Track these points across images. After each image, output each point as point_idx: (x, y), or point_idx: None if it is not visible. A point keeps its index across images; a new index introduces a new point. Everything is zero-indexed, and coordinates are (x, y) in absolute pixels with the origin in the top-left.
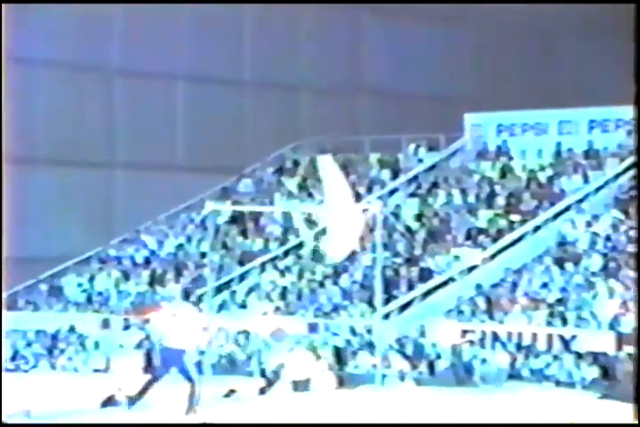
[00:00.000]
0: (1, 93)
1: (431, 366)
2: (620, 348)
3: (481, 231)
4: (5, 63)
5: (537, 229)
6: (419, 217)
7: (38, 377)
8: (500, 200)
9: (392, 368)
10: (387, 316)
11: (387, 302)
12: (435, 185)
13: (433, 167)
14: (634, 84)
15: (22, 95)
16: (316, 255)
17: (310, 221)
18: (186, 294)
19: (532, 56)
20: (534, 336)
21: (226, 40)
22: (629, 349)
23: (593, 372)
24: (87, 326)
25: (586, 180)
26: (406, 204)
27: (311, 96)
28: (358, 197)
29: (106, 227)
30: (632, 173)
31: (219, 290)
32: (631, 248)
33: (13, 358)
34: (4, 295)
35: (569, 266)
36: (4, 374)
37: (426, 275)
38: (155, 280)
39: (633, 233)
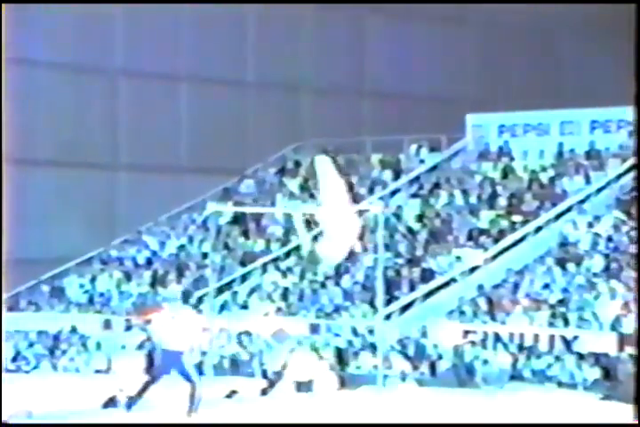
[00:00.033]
0: (2, 94)
1: (433, 367)
2: (621, 349)
3: (482, 232)
4: (6, 64)
5: (538, 229)
6: (420, 218)
7: (40, 378)
8: (502, 201)
9: (393, 369)
10: (388, 316)
11: (388, 302)
12: (436, 186)
13: (435, 168)
14: (634, 84)
15: (24, 96)
16: (312, 258)
17: (310, 223)
18: (185, 297)
19: (533, 56)
20: (536, 337)
21: (228, 41)
22: (631, 350)
23: (595, 373)
24: (89, 326)
25: (587, 180)
26: (408, 204)
27: (313, 97)
28: (360, 198)
29: (107, 228)
30: (634, 173)
31: (220, 291)
32: (633, 249)
33: (15, 359)
34: (7, 296)
35: (571, 267)
36: (5, 374)
37: (427, 276)
38: (156, 281)
39: (634, 234)
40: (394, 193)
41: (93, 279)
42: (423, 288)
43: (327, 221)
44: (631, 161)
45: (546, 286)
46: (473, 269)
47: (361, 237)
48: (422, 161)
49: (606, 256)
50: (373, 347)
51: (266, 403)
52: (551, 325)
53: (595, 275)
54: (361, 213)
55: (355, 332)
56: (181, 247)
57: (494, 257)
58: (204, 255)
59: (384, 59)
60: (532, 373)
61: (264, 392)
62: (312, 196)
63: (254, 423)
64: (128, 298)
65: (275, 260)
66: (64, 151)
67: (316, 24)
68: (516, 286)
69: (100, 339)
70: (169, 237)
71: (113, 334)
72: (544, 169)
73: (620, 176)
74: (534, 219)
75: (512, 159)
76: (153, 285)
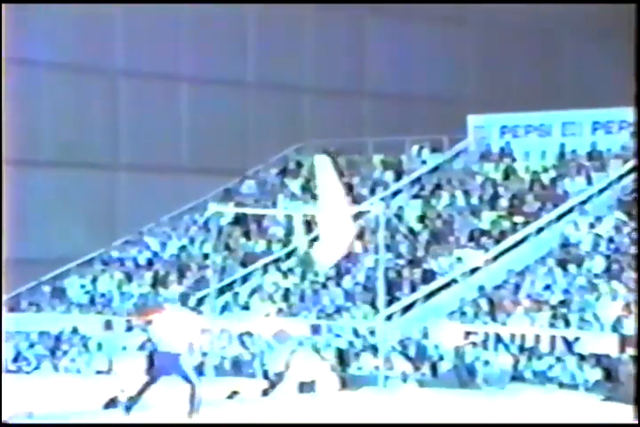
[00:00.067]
0: (2, 95)
1: (434, 368)
2: (623, 350)
3: (484, 233)
4: (6, 64)
5: (540, 230)
6: (422, 218)
7: (41, 379)
8: (504, 202)
9: (395, 370)
10: (389, 317)
11: (389, 303)
12: (438, 186)
13: (436, 169)
14: (634, 84)
15: (24, 97)
16: (306, 260)
17: (310, 225)
18: (183, 299)
19: (533, 56)
20: (537, 338)
21: (228, 42)
22: (632, 351)
23: (596, 374)
24: (90, 327)
25: (589, 181)
26: (409, 205)
27: (314, 97)
28: (361, 199)
29: (108, 228)
30: (635, 174)
31: (221, 291)
32: (634, 250)
33: (15, 360)
34: (8, 297)
35: (572, 268)
36: (5, 375)
37: (428, 276)
38: (157, 282)
39: (636, 235)
40: (395, 194)
41: (94, 280)
42: (424, 289)
43: (323, 224)
44: (633, 162)
45: (547, 287)
46: (474, 270)
47: (360, 238)
48: (424, 162)
49: (607, 257)
50: (374, 348)
51: (267, 404)
52: (552, 326)
53: (596, 276)
54: (362, 214)
55: (356, 333)
56: (182, 248)
57: (495, 258)
58: (205, 256)
59: (385, 59)
60: (533, 374)
61: (265, 393)
62: (314, 197)
63: (255, 424)
64: (129, 299)
65: (276, 261)
66: (64, 151)
67: (316, 24)
68: (518, 287)
69: (101, 340)
70: (170, 238)
71: (114, 335)
72: (546, 170)
73: (621, 177)
74: (535, 220)
75: (514, 160)
76: (154, 285)
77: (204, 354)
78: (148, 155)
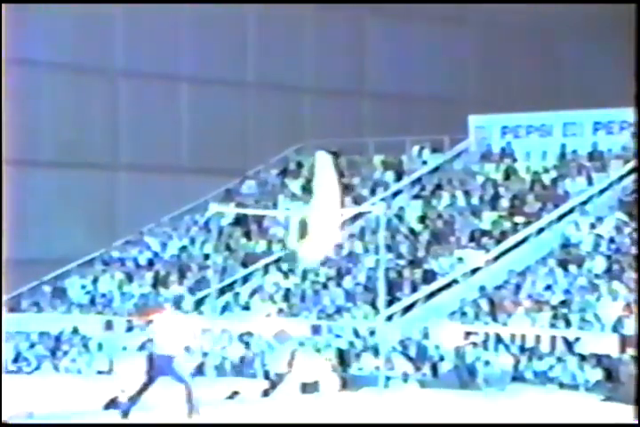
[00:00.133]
0: (2, 95)
1: (434, 369)
2: (623, 350)
3: (484, 233)
4: (6, 64)
5: (541, 231)
6: (422, 219)
7: (41, 379)
8: (504, 202)
9: (395, 370)
10: (390, 318)
11: (390, 303)
12: (438, 187)
13: (437, 169)
14: (634, 84)
15: (24, 97)
16: (291, 256)
17: (305, 225)
18: (177, 302)
19: (533, 56)
20: (538, 338)
21: (228, 42)
22: (633, 351)
23: (596, 374)
24: (90, 327)
25: (590, 182)
26: (410, 206)
27: (315, 98)
28: (362, 199)
29: (109, 229)
30: (636, 175)
31: (222, 292)
32: (635, 250)
33: (16, 360)
34: (8, 297)
35: (572, 268)
36: (5, 375)
37: (429, 277)
38: (158, 282)
39: (637, 235)
40: (396, 194)
41: (95, 280)
42: (425, 289)
43: (314, 221)
44: (634, 162)
45: (548, 288)
46: (475, 271)
47: (361, 239)
48: (424, 162)
49: (608, 257)
50: (375, 348)
51: (267, 404)
52: (553, 326)
53: (597, 276)
54: (362, 214)
55: (356, 333)
56: (183, 248)
57: (496, 258)
58: (206, 256)
59: (385, 59)
60: (533, 374)
61: (266, 393)
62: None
63: (255, 424)
64: (130, 299)
65: (276, 261)
66: (65, 152)
67: (316, 25)
68: (518, 288)
69: (101, 340)
70: (171, 238)
71: (114, 335)
72: (546, 170)
73: (622, 177)
74: (536, 220)
75: (514, 160)
76: (154, 286)
77: (205, 354)
78: (148, 155)
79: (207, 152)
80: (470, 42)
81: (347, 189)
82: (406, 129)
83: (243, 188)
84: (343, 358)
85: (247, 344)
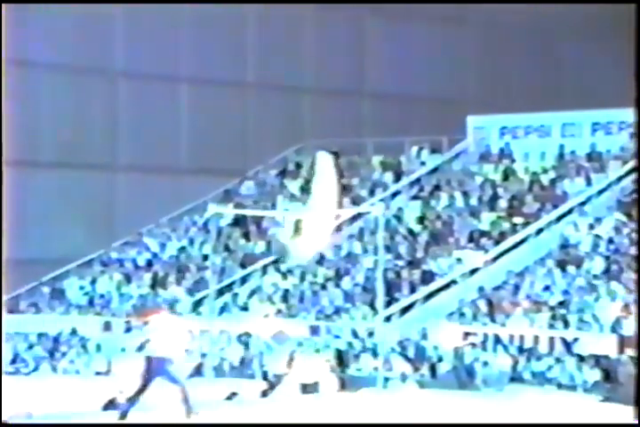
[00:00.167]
0: (2, 96)
1: (433, 369)
2: (622, 351)
3: (483, 234)
4: (6, 65)
5: (539, 231)
6: (421, 219)
7: (40, 380)
8: (503, 203)
9: (394, 371)
10: (388, 318)
11: (388, 304)
12: (437, 187)
13: (435, 170)
14: (634, 84)
15: (24, 98)
16: (281, 250)
17: (300, 224)
18: (174, 304)
19: (533, 57)
20: (536, 339)
21: (228, 42)
22: (631, 351)
23: (595, 375)
24: (89, 328)
25: (588, 182)
26: (409, 206)
27: (314, 98)
28: (360, 200)
29: (108, 229)
30: (635, 175)
31: (220, 292)
32: (634, 251)
33: (13, 362)
34: (7, 298)
35: (571, 269)
36: (5, 377)
37: (428, 277)
38: (157, 283)
39: (635, 236)
40: (394, 195)
41: (94, 281)
42: (423, 290)
43: (308, 219)
44: (632, 163)
45: (546, 288)
46: (473, 271)
47: (360, 239)
48: (423, 163)
49: (607, 258)
50: (374, 349)
51: (266, 405)
52: (551, 327)
53: (595, 277)
54: (361, 215)
55: (355, 334)
56: (182, 249)
57: (495, 259)
58: (205, 257)
59: (385, 60)
60: (532, 375)
61: (264, 394)
62: None
63: (255, 424)
64: (128, 300)
65: (275, 262)
66: (64, 152)
67: (316, 25)
68: (517, 288)
69: (99, 341)
70: (169, 239)
71: (113, 336)
72: (545, 171)
73: (621, 178)
74: (535, 221)
75: (513, 161)
76: (153, 287)
77: (204, 355)
78: (147, 156)
79: (207, 153)
80: (470, 42)
81: (345, 189)
82: (406, 129)
83: (241, 188)
84: (342, 359)
85: (246, 345)
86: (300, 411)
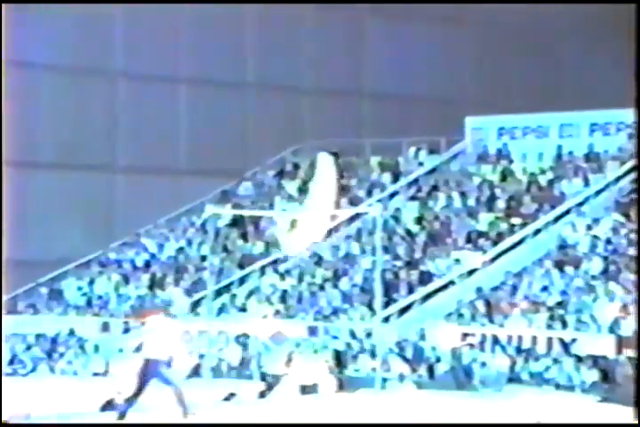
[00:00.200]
0: (2, 96)
1: (431, 370)
2: (619, 351)
3: (481, 234)
4: (6, 66)
5: (537, 232)
6: (419, 220)
7: (38, 381)
8: (501, 203)
9: (392, 372)
10: (386, 319)
11: (387, 305)
12: (435, 188)
13: (433, 170)
14: (634, 85)
15: (24, 98)
16: (273, 242)
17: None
18: (165, 308)
19: (533, 57)
20: (534, 339)
21: (227, 43)
22: (629, 352)
23: (593, 375)
24: (87, 329)
25: (586, 183)
26: (406, 207)
27: (312, 99)
28: (358, 200)
29: (106, 230)
30: (633, 176)
31: (219, 293)
32: (632, 251)
33: (11, 362)
34: (5, 299)
35: (569, 269)
36: (3, 378)
37: (426, 278)
38: (155, 284)
39: (633, 236)
40: (392, 195)
41: (92, 282)
42: (422, 291)
43: (304, 218)
44: (630, 163)
45: (544, 289)
46: (471, 272)
47: (358, 240)
48: (421, 163)
49: (605, 259)
50: (372, 349)
51: (264, 406)
52: (549, 327)
53: (593, 277)
54: (359, 215)
55: (353, 334)
56: (180, 250)
57: (493, 260)
58: (203, 258)
59: (383, 61)
60: (529, 375)
61: (262, 395)
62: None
63: (254, 424)
64: (126, 301)
65: (273, 262)
66: (63, 153)
67: (315, 25)
68: (515, 289)
69: (97, 342)
70: (167, 240)
71: (111, 337)
72: (543, 171)
73: (618, 179)
74: (533, 221)
75: (511, 162)
76: (151, 287)
77: (202, 356)
78: (146, 157)
79: (206, 154)
80: (469, 42)
81: (343, 190)
82: (405, 130)
83: (239, 189)
84: (340, 360)
85: (244, 346)
86: (297, 411)
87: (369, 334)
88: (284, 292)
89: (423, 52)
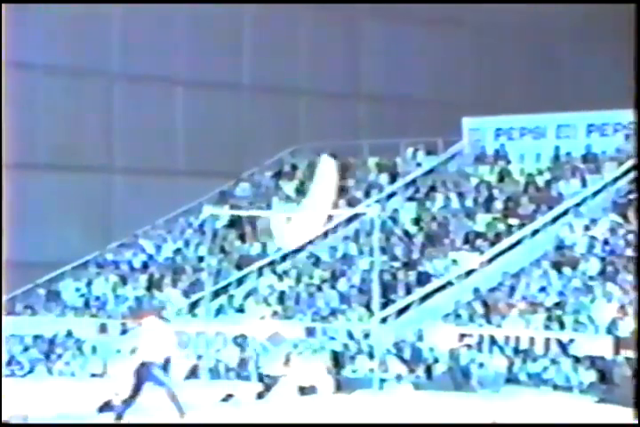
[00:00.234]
0: (0, 98)
1: (429, 371)
2: (617, 352)
3: (479, 235)
4: (5, 68)
5: (535, 232)
6: (416, 221)
7: (35, 382)
8: (498, 204)
9: (390, 372)
10: (384, 320)
11: (384, 306)
12: (433, 189)
13: (431, 171)
14: (634, 85)
15: (21, 100)
16: (267, 232)
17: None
18: (159, 311)
19: (532, 58)
20: (532, 340)
21: (224, 45)
22: (627, 353)
23: (590, 376)
24: (84, 330)
25: (584, 184)
26: (404, 208)
27: (310, 100)
28: (356, 201)
29: (104, 231)
30: (630, 176)
31: (216, 294)
32: (629, 252)
33: (9, 364)
34: (4, 300)
35: (567, 270)
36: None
37: (423, 279)
38: (152, 285)
39: (631, 237)
40: (390, 196)
41: (89, 283)
42: (419, 291)
43: (301, 215)
44: (628, 164)
45: (542, 290)
46: (469, 273)
47: (355, 241)
48: (419, 164)
49: (602, 259)
50: (369, 350)
51: (262, 406)
52: (547, 328)
53: (591, 278)
54: (357, 216)
55: (351, 335)
56: (178, 251)
57: (490, 260)
58: (201, 259)
59: (381, 62)
60: (527, 376)
61: (260, 396)
62: None
63: (254, 424)
64: (124, 302)
65: (271, 263)
66: (61, 155)
67: (312, 27)
68: (513, 290)
69: (95, 343)
70: (165, 241)
71: (108, 338)
72: (540, 172)
73: (616, 179)
74: (530, 222)
75: (508, 162)
76: (149, 288)
77: (199, 357)
78: (143, 158)
79: (203, 155)
80: (467, 44)
81: (341, 191)
82: (403, 131)
83: (237, 190)
84: (337, 361)
85: (242, 347)
86: (295, 412)
87: (367, 335)
88: (282, 293)
89: (420, 54)
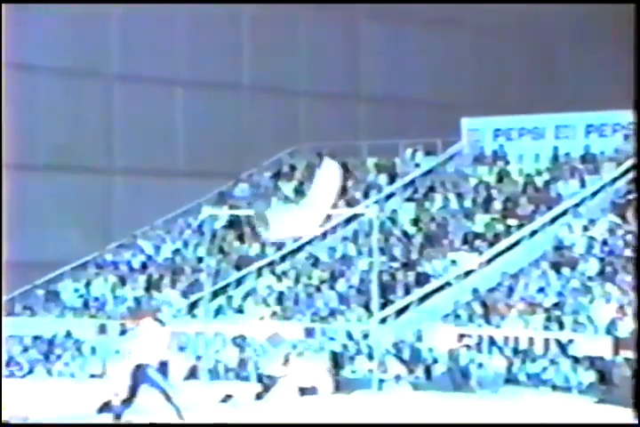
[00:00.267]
0: (0, 98)
1: (428, 371)
2: (616, 352)
3: (478, 236)
4: (5, 69)
5: (534, 233)
6: (415, 221)
7: (35, 383)
8: (497, 204)
9: (389, 373)
10: (383, 320)
11: (383, 306)
12: (431, 189)
13: (430, 172)
14: (634, 85)
15: (21, 101)
16: (262, 220)
17: None
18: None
19: (532, 58)
20: (531, 341)
21: (224, 45)
22: (626, 353)
23: (590, 376)
24: (84, 331)
25: (583, 184)
26: (403, 208)
27: (309, 101)
28: (355, 202)
29: (103, 232)
30: (629, 177)
31: (215, 295)
32: (628, 252)
33: (8, 365)
34: (3, 300)
35: (566, 270)
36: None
37: (422, 279)
38: (151, 285)
39: (630, 237)
40: (389, 197)
41: (88, 284)
42: (418, 292)
43: (299, 212)
44: (626, 164)
45: (541, 290)
46: (468, 273)
47: (354, 242)
48: (417, 165)
49: (601, 260)
50: (369, 351)
51: (261, 407)
52: (546, 328)
53: (590, 278)
54: (356, 216)
55: (350, 336)
56: (176, 251)
57: (489, 261)
58: (200, 259)
59: (380, 63)
60: (526, 376)
61: (259, 396)
62: None
63: (254, 424)
64: (123, 302)
65: (270, 264)
66: (61, 155)
67: (312, 27)
68: (511, 290)
69: (94, 343)
70: (164, 242)
71: (108, 339)
72: (539, 173)
73: (615, 180)
74: (529, 222)
75: (507, 163)
76: (148, 289)
77: (198, 358)
78: (143, 158)
79: (202, 155)
80: (467, 44)
81: (341, 192)
82: (401, 132)
83: (236, 190)
84: (337, 361)
85: (241, 347)
86: (294, 413)
87: (366, 336)
88: (281, 293)
89: (420, 54)
